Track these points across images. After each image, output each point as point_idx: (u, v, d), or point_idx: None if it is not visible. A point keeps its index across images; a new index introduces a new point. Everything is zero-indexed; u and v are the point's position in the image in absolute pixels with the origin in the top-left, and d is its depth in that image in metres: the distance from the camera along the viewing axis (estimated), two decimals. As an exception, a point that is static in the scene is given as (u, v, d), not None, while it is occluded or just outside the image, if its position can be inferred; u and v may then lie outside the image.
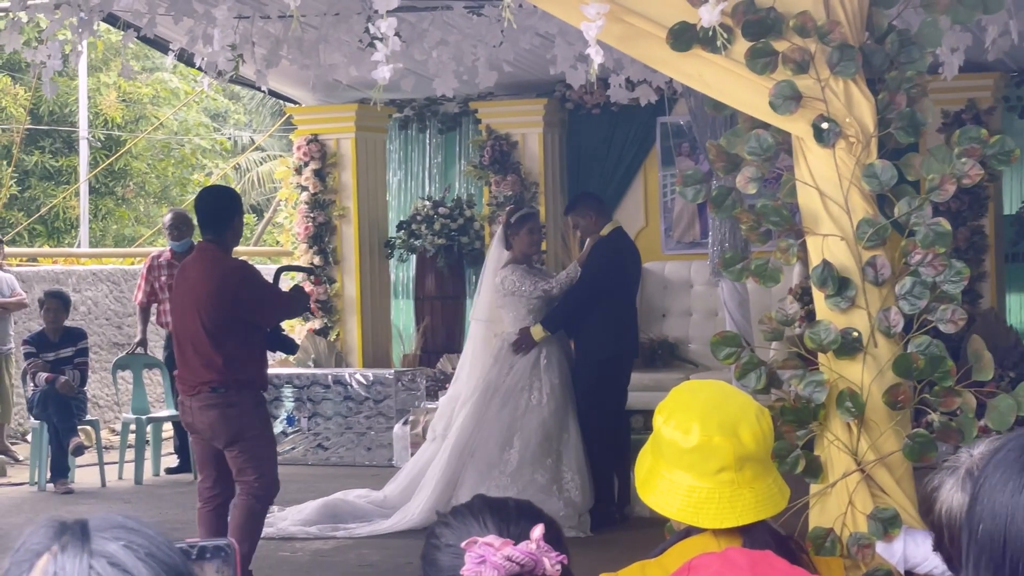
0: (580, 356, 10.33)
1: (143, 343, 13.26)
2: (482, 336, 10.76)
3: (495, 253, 10.59)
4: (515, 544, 2.45)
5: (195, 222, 13.23)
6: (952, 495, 2.78)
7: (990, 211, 12.99)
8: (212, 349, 8.11)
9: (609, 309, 10.19)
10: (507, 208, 11.98)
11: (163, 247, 13.29)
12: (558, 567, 2.46)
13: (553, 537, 2.53)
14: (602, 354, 10.19)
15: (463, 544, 2.47)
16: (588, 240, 10.50)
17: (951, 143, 4.32)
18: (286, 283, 11.19)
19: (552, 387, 10.25)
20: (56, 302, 12.62)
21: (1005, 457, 1.76)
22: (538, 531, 2.48)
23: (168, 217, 13.16)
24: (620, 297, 10.34)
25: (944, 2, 4.42)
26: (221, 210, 8.32)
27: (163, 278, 12.82)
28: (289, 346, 8.86)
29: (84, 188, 22.31)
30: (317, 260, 14.22)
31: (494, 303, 10.52)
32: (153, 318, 13.18)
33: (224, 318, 8.12)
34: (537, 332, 10.20)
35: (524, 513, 2.62)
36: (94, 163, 23.42)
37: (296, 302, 8.66)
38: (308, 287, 12.81)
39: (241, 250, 19.22)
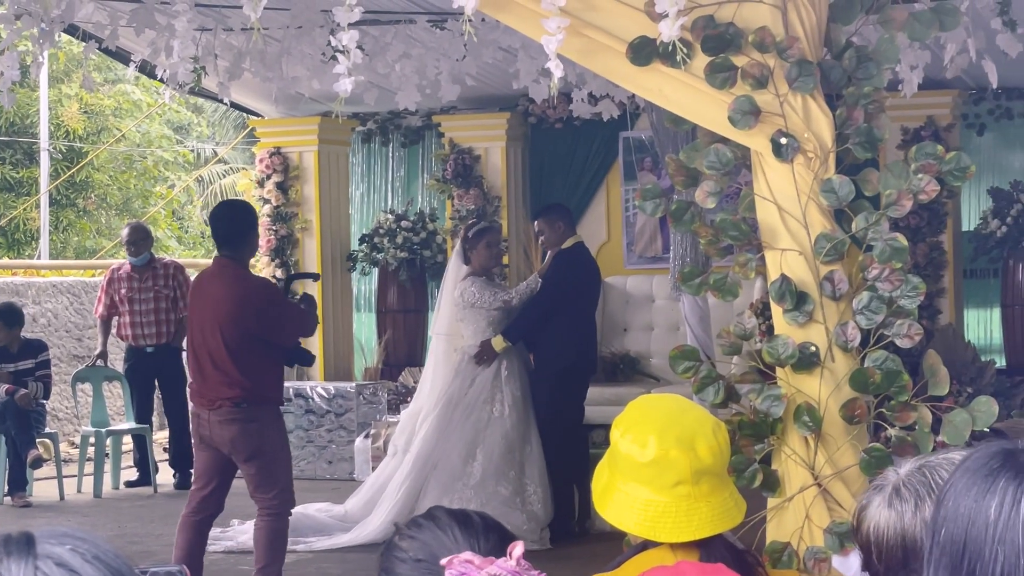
0: (538, 368, 10.35)
1: (103, 355, 13.20)
2: (443, 351, 10.76)
3: (454, 267, 10.60)
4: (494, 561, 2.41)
5: (155, 235, 13.24)
6: (879, 512, 2.79)
7: (949, 227, 13.05)
8: (233, 365, 8.12)
9: (568, 322, 10.22)
10: (467, 222, 11.99)
11: (124, 259, 13.23)
12: None
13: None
14: (560, 366, 10.21)
15: (443, 562, 2.40)
16: (549, 253, 10.54)
17: (908, 159, 4.34)
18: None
19: (514, 399, 10.26)
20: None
21: (972, 464, 1.79)
22: (519, 549, 2.42)
23: (125, 232, 13.11)
24: (580, 311, 10.37)
25: (901, 19, 4.45)
26: (238, 226, 8.30)
27: (123, 291, 12.77)
28: (306, 358, 8.86)
29: (45, 200, 22.22)
30: (279, 273, 14.19)
31: (454, 317, 10.53)
32: (114, 331, 13.13)
33: (246, 335, 8.13)
34: (498, 343, 10.21)
35: (491, 527, 2.57)
36: (55, 175, 23.33)
37: (311, 319, 8.66)
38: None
39: (203, 262, 19.15)
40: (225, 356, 8.12)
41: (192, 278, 13.31)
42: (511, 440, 10.19)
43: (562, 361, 10.23)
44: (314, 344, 14.19)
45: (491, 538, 2.52)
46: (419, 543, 2.53)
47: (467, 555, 2.39)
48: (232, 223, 8.32)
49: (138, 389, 12.97)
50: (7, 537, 1.60)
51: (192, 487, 8.57)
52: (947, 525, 1.76)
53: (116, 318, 12.93)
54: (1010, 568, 1.68)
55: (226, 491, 8.45)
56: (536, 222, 10.86)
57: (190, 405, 8.65)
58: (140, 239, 12.82)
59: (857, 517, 2.83)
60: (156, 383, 13.05)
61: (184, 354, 8.48)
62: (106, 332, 13.16)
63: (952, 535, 1.74)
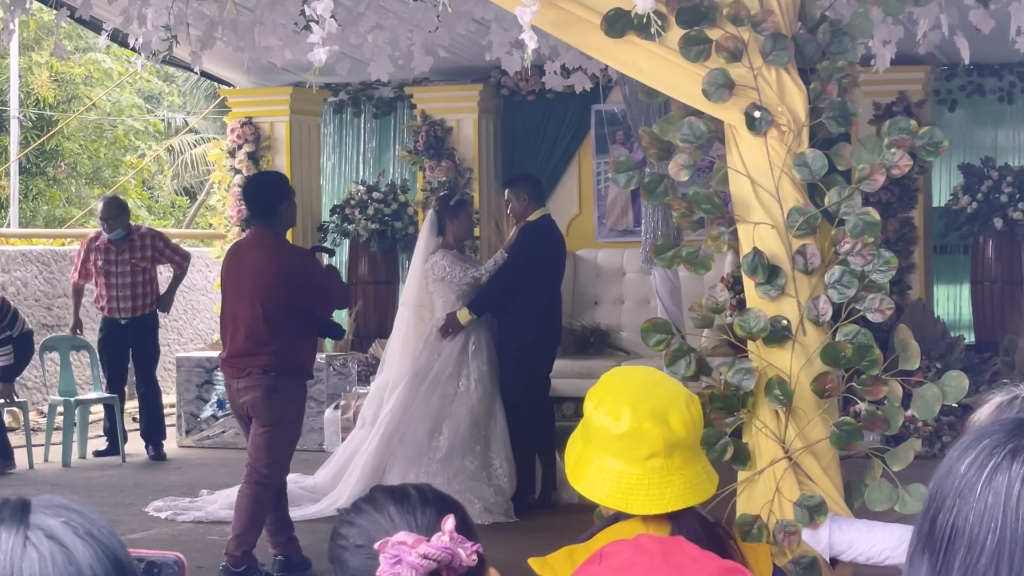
0: (503, 342, 10.31)
1: (77, 326, 13.10)
2: (409, 321, 10.74)
3: (426, 239, 10.58)
4: (428, 539, 2.40)
5: (130, 207, 13.18)
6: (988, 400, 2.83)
7: (919, 203, 13.08)
8: (267, 336, 8.27)
9: (534, 295, 10.19)
10: (439, 194, 11.95)
11: (95, 228, 13.15)
12: (474, 557, 2.40)
13: (460, 523, 2.48)
14: (524, 340, 10.19)
15: (376, 546, 2.39)
16: (515, 227, 10.53)
17: (881, 133, 4.35)
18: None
19: (480, 373, 10.25)
20: None
21: (984, 424, 1.82)
22: (450, 523, 2.41)
23: (100, 208, 13.01)
24: (543, 285, 10.32)
25: (876, -7, 4.45)
26: (268, 197, 8.46)
27: (99, 262, 12.67)
28: (336, 331, 8.99)
29: (14, 168, 22.12)
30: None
31: (423, 288, 10.52)
32: (92, 302, 13.05)
33: (284, 306, 8.28)
34: (463, 316, 10.19)
35: (428, 500, 2.55)
36: (25, 143, 23.22)
37: (347, 290, 8.80)
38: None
39: (173, 231, 19.10)
40: (261, 326, 8.27)
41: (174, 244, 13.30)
42: (477, 415, 10.19)
43: (524, 336, 10.19)
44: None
45: (428, 512, 2.51)
46: (358, 528, 2.52)
47: (401, 535, 2.38)
48: (262, 195, 8.50)
49: (111, 359, 12.90)
50: (4, 502, 1.60)
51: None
52: (935, 474, 1.81)
53: (94, 290, 12.85)
54: (962, 523, 1.72)
55: None
56: (505, 191, 10.86)
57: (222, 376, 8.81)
58: (114, 215, 12.67)
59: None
60: (130, 354, 12.97)
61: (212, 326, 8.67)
62: (78, 301, 13.09)
63: (933, 482, 1.80)
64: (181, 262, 13.01)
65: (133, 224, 13.09)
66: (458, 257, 10.32)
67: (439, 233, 10.43)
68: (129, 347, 12.90)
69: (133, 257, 12.65)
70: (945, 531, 1.74)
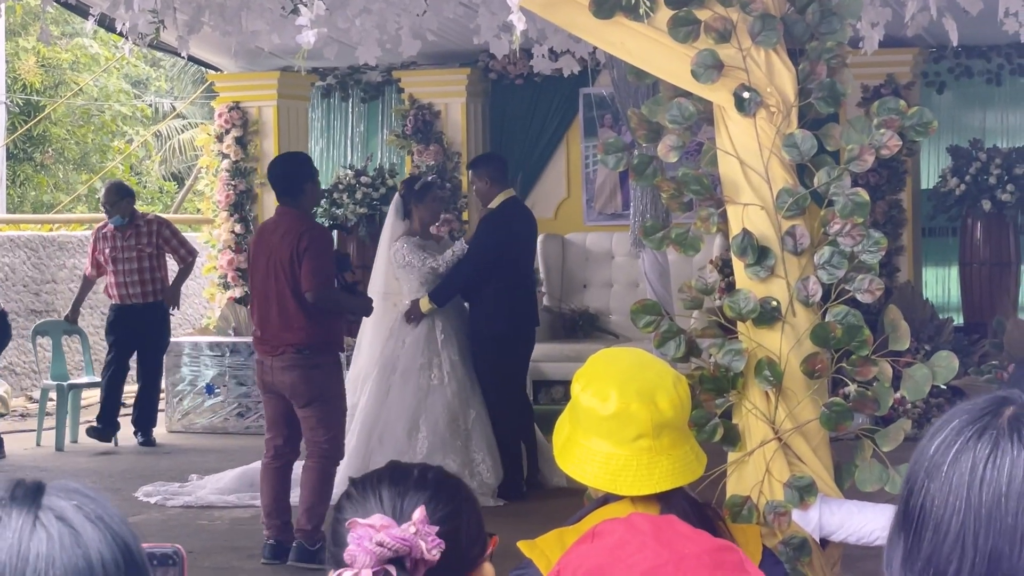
0: (475, 333, 10.22)
1: (73, 316, 12.96)
2: (379, 309, 10.67)
3: (391, 223, 10.49)
4: (400, 524, 2.35)
5: (131, 190, 13.10)
6: None
7: (908, 185, 13.09)
8: (298, 311, 8.39)
9: (500, 284, 10.05)
10: (403, 179, 11.85)
11: (82, 213, 13.10)
12: (436, 553, 2.32)
13: (450, 514, 2.44)
14: (496, 329, 10.08)
15: (347, 523, 2.35)
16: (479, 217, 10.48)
17: (870, 114, 4.34)
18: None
19: (452, 364, 10.16)
20: None
21: (956, 407, 1.83)
22: (419, 513, 2.35)
23: (102, 194, 12.94)
24: (512, 271, 10.19)
25: (865, -27, 4.45)
26: (292, 177, 8.62)
27: (107, 250, 12.57)
28: (366, 309, 9.24)
29: (2, 153, 22.07)
30: (238, 228, 14.13)
31: (390, 275, 10.46)
32: (102, 289, 12.96)
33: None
34: (424, 304, 10.13)
35: (425, 485, 2.51)
36: (12, 128, 23.17)
37: (346, 301, 8.90)
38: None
39: (162, 217, 19.06)
40: (290, 301, 8.40)
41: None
42: (454, 409, 10.10)
43: (496, 326, 10.05)
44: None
45: (416, 497, 2.47)
46: (352, 504, 2.49)
47: (373, 518, 2.34)
48: (286, 175, 8.64)
49: (119, 342, 12.76)
50: (18, 482, 1.61)
51: (266, 436, 8.79)
52: (913, 454, 1.83)
53: (103, 277, 12.77)
54: (929, 503, 1.75)
55: (300, 435, 8.64)
56: (468, 173, 10.79)
57: (254, 354, 8.90)
58: (112, 201, 12.54)
59: None
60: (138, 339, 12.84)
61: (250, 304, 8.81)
62: (82, 293, 13.00)
63: (910, 463, 1.81)
64: (186, 256, 12.79)
65: (139, 211, 12.97)
66: (419, 244, 10.22)
67: (405, 217, 10.35)
68: (138, 333, 12.69)
69: (139, 244, 12.53)
70: (915, 511, 1.75)
